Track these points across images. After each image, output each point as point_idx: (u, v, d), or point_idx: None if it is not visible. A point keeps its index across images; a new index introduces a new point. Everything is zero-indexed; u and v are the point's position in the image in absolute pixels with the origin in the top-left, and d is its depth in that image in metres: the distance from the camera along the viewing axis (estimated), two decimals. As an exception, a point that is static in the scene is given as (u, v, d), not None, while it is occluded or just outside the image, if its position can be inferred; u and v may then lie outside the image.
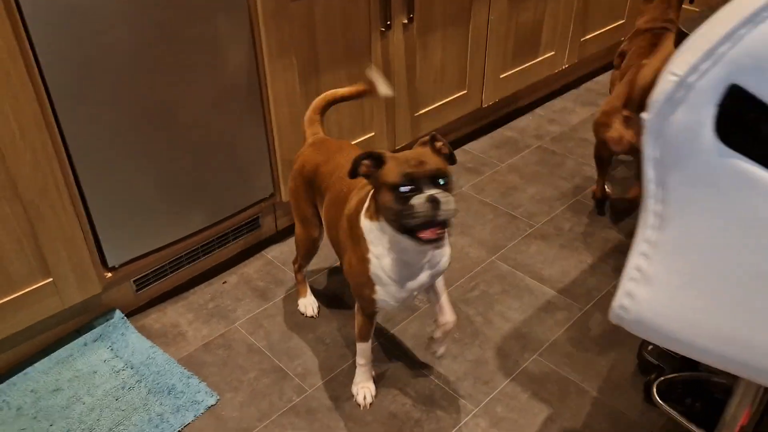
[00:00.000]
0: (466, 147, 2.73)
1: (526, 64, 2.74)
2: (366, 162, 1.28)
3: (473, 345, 1.78)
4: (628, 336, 1.80)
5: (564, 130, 2.83)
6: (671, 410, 1.37)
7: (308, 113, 1.71)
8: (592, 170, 2.54)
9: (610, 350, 1.76)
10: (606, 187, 2.33)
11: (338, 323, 1.86)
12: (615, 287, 1.99)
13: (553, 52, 2.84)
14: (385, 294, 1.39)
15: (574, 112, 2.98)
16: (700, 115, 0.68)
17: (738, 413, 1.18)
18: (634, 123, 1.97)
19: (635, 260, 0.85)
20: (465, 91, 2.50)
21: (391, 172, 1.24)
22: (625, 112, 1.99)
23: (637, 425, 1.56)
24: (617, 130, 2.01)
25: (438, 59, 2.31)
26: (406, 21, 2.10)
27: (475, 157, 2.65)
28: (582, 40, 2.97)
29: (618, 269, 2.04)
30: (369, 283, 1.39)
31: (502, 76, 2.64)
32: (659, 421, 1.57)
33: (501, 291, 1.97)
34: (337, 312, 1.90)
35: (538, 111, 3.00)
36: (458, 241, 2.16)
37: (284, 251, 2.13)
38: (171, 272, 1.92)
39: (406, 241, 1.28)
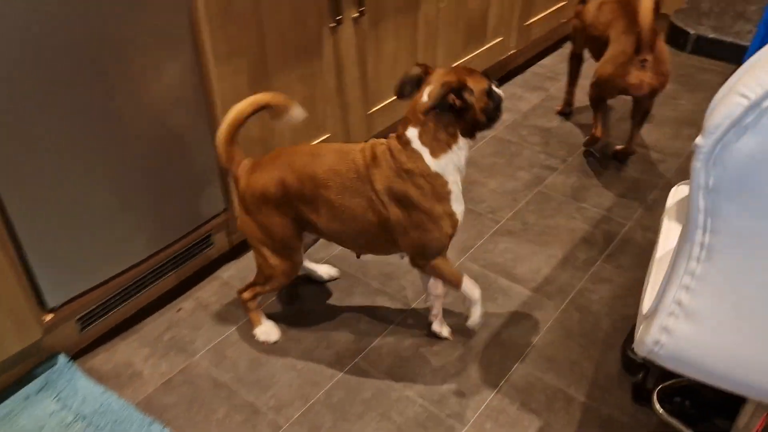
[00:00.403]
0: (420, 141, 2.62)
1: (476, 52, 2.65)
2: (452, 96, 1.36)
3: (453, 356, 1.69)
4: (609, 334, 1.75)
5: (516, 118, 2.76)
6: (674, 420, 1.33)
7: (222, 145, 1.51)
8: (549, 158, 2.49)
9: (591, 349, 1.71)
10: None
11: (308, 344, 1.73)
12: (588, 282, 1.95)
13: (501, 38, 2.76)
14: (461, 210, 1.51)
15: (523, 98, 2.92)
16: (773, 143, 0.59)
17: (752, 423, 1.13)
18: (649, 66, 2.10)
19: (674, 293, 0.77)
20: (417, 84, 2.39)
21: (478, 83, 1.41)
22: (641, 57, 2.08)
23: (629, 428, 1.52)
24: (636, 76, 2.11)
25: (390, 53, 2.19)
26: (356, 14, 1.96)
27: (430, 152, 2.55)
28: (526, 24, 2.90)
29: (588, 262, 2.00)
30: (451, 213, 1.48)
31: (452, 66, 2.55)
32: (650, 422, 1.53)
33: (474, 295, 1.88)
34: (305, 331, 1.77)
35: (488, 99, 2.92)
36: (424, 244, 2.06)
37: (240, 268, 1.97)
38: (119, 304, 1.73)
39: (466, 147, 1.46)
